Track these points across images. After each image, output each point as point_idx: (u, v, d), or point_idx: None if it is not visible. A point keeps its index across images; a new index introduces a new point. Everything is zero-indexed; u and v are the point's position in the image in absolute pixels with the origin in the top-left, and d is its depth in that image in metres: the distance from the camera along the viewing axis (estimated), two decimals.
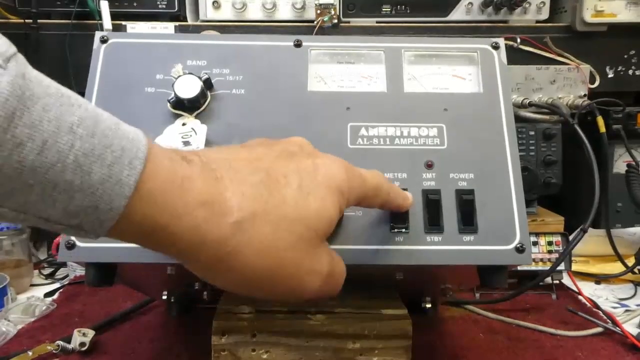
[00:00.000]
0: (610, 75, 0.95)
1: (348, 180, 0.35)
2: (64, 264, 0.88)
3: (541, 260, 0.77)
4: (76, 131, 0.25)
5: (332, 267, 0.35)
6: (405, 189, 0.43)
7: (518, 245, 0.42)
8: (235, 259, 0.30)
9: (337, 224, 0.37)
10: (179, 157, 0.30)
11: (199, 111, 0.46)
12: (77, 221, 0.27)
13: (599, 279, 0.85)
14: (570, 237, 0.78)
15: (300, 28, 0.92)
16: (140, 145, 0.28)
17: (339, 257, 0.36)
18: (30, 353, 0.57)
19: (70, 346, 0.59)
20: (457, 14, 0.94)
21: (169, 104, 0.46)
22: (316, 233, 0.33)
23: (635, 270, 0.81)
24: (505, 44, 0.51)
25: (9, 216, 0.26)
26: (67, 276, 0.86)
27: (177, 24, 0.92)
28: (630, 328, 0.65)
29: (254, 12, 0.93)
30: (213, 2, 0.92)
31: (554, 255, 0.77)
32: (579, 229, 0.70)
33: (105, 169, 0.26)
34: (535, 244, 0.78)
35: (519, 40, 0.91)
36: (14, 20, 0.91)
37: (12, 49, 0.25)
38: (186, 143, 0.44)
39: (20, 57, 0.25)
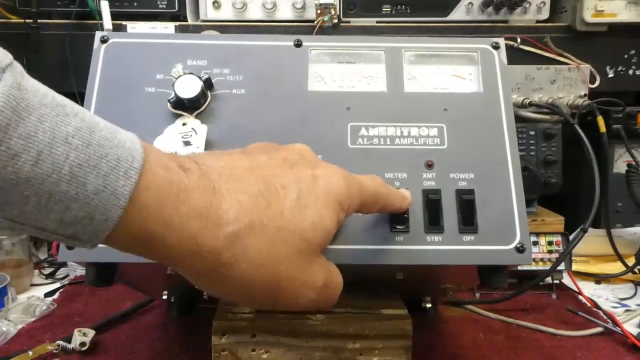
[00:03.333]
0: (611, 75, 0.95)
1: (347, 191, 0.35)
2: (64, 264, 0.88)
3: (541, 260, 0.77)
4: (71, 142, 0.25)
5: (328, 280, 0.34)
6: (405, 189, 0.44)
7: (518, 245, 0.42)
8: (230, 270, 0.30)
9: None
10: (176, 166, 0.29)
11: (199, 111, 0.46)
12: (72, 231, 0.27)
13: (599, 278, 0.85)
14: (571, 237, 0.78)
15: (300, 28, 0.92)
16: (136, 155, 0.28)
17: (336, 269, 0.36)
18: (30, 353, 0.57)
19: (70, 346, 0.59)
20: (457, 14, 0.94)
21: (169, 104, 0.46)
22: (312, 246, 0.33)
23: (636, 270, 0.81)
24: (506, 44, 0.51)
25: (4, 226, 0.26)
26: (67, 276, 0.86)
27: (177, 23, 0.92)
28: (630, 328, 0.65)
29: (254, 12, 0.93)
30: (213, 2, 0.92)
31: (554, 255, 0.77)
32: (579, 229, 0.70)
33: (100, 180, 0.26)
34: (535, 243, 0.78)
35: (519, 40, 0.91)
36: (14, 20, 0.91)
37: (8, 58, 0.25)
38: (186, 143, 0.44)
39: (17, 67, 0.25)
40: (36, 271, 0.87)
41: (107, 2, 0.88)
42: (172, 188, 0.28)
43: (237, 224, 0.30)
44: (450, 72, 0.50)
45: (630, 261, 0.81)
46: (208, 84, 0.47)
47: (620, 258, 0.82)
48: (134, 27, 0.91)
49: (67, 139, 0.25)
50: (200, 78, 0.46)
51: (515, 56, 0.90)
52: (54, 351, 0.58)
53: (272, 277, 0.31)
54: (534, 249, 0.78)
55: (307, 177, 0.34)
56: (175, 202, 0.28)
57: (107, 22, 0.88)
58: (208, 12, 0.93)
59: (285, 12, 0.93)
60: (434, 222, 0.43)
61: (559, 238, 0.79)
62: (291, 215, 0.32)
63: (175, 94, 0.45)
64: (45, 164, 0.25)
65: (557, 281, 0.79)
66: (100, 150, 0.26)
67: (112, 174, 0.26)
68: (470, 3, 0.93)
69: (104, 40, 0.48)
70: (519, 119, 0.83)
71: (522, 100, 0.86)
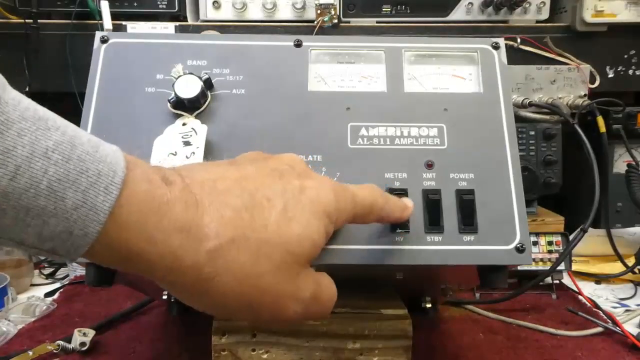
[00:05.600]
0: (611, 75, 0.95)
1: (336, 203, 0.34)
2: (64, 264, 0.88)
3: (541, 260, 0.77)
4: (51, 156, 0.25)
5: (317, 292, 0.34)
6: (405, 189, 0.44)
7: (518, 245, 0.42)
8: (212, 285, 0.30)
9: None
10: (159, 179, 0.29)
11: (199, 111, 0.46)
12: (51, 245, 0.26)
13: (599, 278, 0.85)
14: (571, 237, 0.78)
15: (300, 28, 0.92)
16: (118, 169, 0.27)
17: (329, 281, 0.36)
18: (30, 353, 0.57)
19: (70, 346, 0.59)
20: (457, 14, 0.94)
21: (169, 104, 0.46)
22: (298, 258, 0.32)
23: (636, 270, 0.81)
24: (506, 44, 0.51)
25: None
26: (67, 276, 0.86)
27: (177, 24, 0.92)
28: (630, 328, 0.65)
29: (254, 12, 0.93)
30: (213, 2, 0.92)
31: (554, 255, 0.77)
32: (579, 229, 0.70)
33: (79, 195, 0.26)
34: (535, 243, 0.78)
35: (519, 40, 0.91)
36: (14, 20, 0.91)
37: None
38: (186, 143, 0.44)
39: None
40: (36, 271, 0.87)
41: (107, 2, 0.88)
42: (154, 202, 0.28)
43: (219, 238, 0.29)
44: (450, 72, 0.50)
45: (630, 261, 0.81)
46: (208, 84, 0.47)
47: (620, 258, 0.82)
48: (134, 27, 0.91)
49: (47, 154, 0.25)
50: (200, 78, 0.46)
51: (515, 56, 0.90)
52: (54, 351, 0.58)
53: (256, 291, 0.31)
54: (534, 249, 0.78)
55: (295, 188, 0.33)
56: (156, 217, 0.28)
57: (107, 22, 0.88)
58: (208, 12, 0.93)
59: (285, 12, 0.93)
60: (434, 222, 0.43)
61: (559, 238, 0.79)
62: (276, 227, 0.31)
63: (175, 94, 0.45)
64: (23, 179, 0.24)
65: (557, 281, 0.79)
66: (80, 165, 0.26)
67: (92, 189, 0.26)
68: (470, 3, 0.93)
69: (104, 40, 0.49)
70: (519, 119, 0.83)
71: (522, 100, 0.86)
